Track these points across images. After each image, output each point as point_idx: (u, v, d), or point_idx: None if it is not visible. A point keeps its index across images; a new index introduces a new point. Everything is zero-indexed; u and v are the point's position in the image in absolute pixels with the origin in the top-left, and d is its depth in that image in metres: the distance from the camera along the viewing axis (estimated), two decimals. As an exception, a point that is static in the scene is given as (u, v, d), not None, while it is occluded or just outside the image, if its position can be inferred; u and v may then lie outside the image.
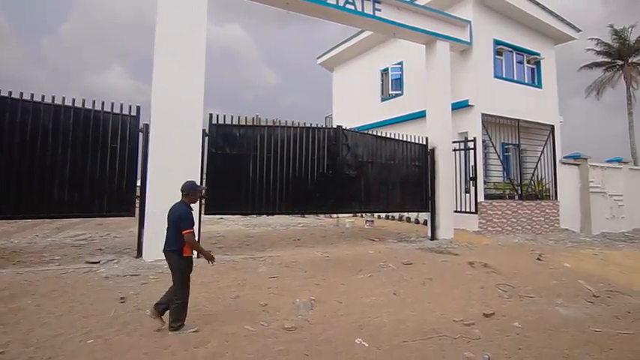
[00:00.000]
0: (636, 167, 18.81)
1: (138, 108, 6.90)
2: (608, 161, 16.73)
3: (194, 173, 6.93)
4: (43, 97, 6.11)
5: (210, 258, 3.96)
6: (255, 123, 7.98)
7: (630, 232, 14.94)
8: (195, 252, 3.95)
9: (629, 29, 26.29)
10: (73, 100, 6.32)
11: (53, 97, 6.18)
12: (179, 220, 3.79)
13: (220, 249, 7.96)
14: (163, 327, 3.76)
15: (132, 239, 7.95)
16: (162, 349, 3.42)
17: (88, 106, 6.45)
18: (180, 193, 4.01)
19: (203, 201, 7.15)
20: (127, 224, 10.44)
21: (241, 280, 5.55)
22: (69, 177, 6.20)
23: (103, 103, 6.56)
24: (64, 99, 6.25)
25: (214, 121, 7.43)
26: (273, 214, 8.21)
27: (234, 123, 7.63)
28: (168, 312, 3.80)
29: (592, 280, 6.38)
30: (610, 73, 27.62)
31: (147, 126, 6.83)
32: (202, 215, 7.12)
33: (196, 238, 4.00)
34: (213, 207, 7.35)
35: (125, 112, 6.76)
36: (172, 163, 6.69)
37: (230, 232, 10.77)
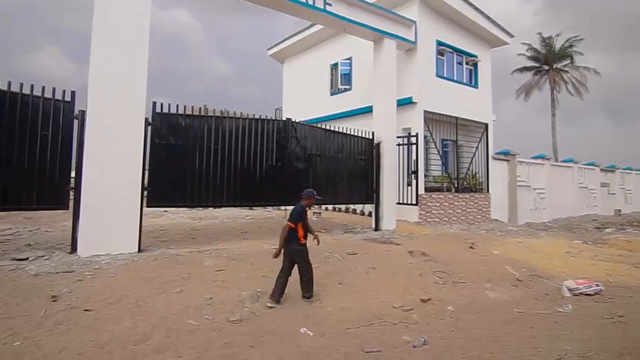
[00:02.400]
0: (557, 163, 20.80)
1: (72, 93, 6.40)
2: (533, 157, 18.36)
3: (135, 163, 6.63)
4: (-41, 77, 5.49)
5: (275, 254, 4.70)
6: (202, 113, 7.72)
7: (550, 222, 16.58)
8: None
9: (555, 37, 28.97)
10: (-4, 82, 5.74)
11: (-29, 78, 5.57)
12: (291, 213, 4.63)
13: (164, 242, 7.69)
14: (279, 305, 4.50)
15: (65, 233, 7.44)
16: (98, 348, 3.28)
17: (15, 89, 5.86)
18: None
19: (145, 193, 6.85)
20: (60, 217, 9.71)
21: (186, 275, 5.42)
22: (-10, 166, 5.64)
23: (32, 87, 5.99)
24: (-16, 80, 5.66)
25: (158, 110, 7.09)
26: (220, 207, 8.06)
27: (179, 112, 7.33)
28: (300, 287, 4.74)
29: (517, 265, 6.99)
30: (538, 77, 30.25)
31: (83, 112, 6.37)
32: (145, 208, 6.83)
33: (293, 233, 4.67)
34: (156, 199, 7.06)
35: (58, 96, 6.23)
36: (111, 153, 6.33)
37: (174, 225, 10.41)
